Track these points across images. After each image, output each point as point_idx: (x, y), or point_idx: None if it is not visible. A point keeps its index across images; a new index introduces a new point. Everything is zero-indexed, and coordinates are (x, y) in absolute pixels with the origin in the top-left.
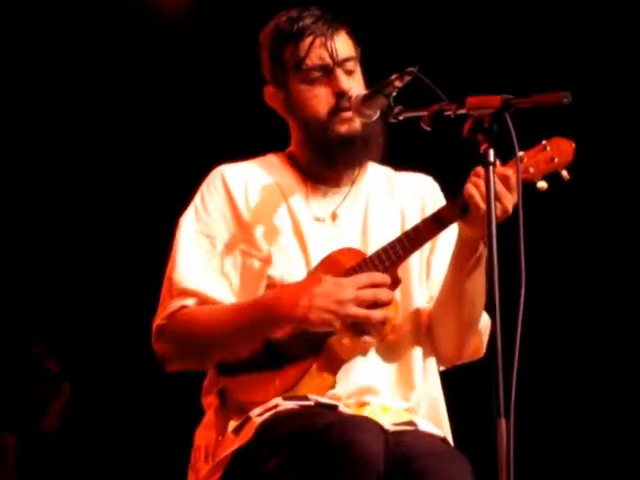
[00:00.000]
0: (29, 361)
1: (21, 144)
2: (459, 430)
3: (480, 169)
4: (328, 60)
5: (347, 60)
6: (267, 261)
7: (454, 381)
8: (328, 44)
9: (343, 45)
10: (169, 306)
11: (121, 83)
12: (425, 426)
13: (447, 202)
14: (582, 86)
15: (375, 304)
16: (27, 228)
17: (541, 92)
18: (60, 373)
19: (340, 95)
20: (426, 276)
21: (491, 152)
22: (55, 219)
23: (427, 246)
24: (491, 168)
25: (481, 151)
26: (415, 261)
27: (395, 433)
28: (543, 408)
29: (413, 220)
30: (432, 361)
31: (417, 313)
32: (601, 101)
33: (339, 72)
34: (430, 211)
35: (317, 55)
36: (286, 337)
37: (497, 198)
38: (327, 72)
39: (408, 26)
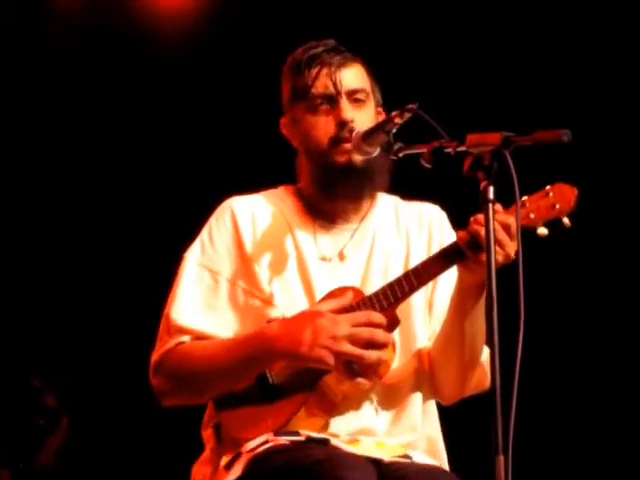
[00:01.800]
0: (27, 395)
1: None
2: (458, 467)
3: (480, 216)
4: (332, 90)
5: (355, 91)
6: (269, 303)
7: (454, 417)
8: (333, 74)
9: (353, 76)
10: (166, 343)
11: (134, 110)
12: (420, 458)
13: (444, 247)
14: (584, 125)
15: (371, 344)
16: (27, 262)
17: (543, 129)
18: (58, 408)
19: (342, 125)
20: (429, 312)
21: (491, 189)
22: (55, 254)
23: (429, 284)
24: (490, 205)
25: (480, 189)
26: (419, 301)
27: (390, 463)
28: (542, 445)
29: (418, 255)
30: (432, 401)
31: (419, 354)
32: (602, 140)
33: (343, 102)
34: (437, 242)
35: (322, 84)
36: (281, 372)
37: (499, 245)
38: (331, 102)
39: (410, 62)
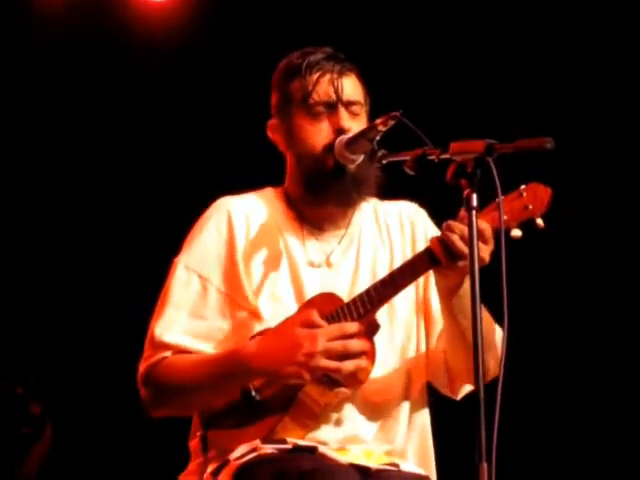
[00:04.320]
0: (12, 403)
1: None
2: (443, 474)
3: (452, 223)
4: (333, 96)
5: (353, 103)
6: (257, 315)
7: (439, 425)
8: (335, 81)
9: (351, 87)
10: (150, 357)
11: (114, 114)
12: (407, 467)
13: (418, 253)
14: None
15: (347, 355)
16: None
17: (525, 137)
18: (43, 416)
19: (339, 132)
20: (426, 313)
21: (474, 197)
22: (36, 263)
23: (421, 283)
24: (474, 212)
25: (464, 196)
26: (407, 301)
27: (378, 471)
28: (525, 453)
29: (402, 257)
30: (422, 400)
31: (406, 355)
32: (585, 149)
33: (342, 110)
34: (421, 237)
35: (323, 90)
36: (264, 384)
37: (463, 257)
38: (331, 108)
39: (394, 70)
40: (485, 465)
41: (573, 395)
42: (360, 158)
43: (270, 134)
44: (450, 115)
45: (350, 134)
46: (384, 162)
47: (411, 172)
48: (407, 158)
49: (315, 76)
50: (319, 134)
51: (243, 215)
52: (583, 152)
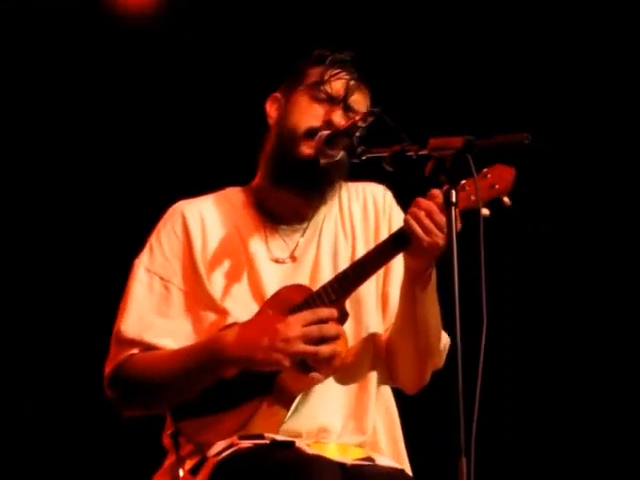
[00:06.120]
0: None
1: None
2: (422, 468)
3: (421, 200)
4: (341, 94)
5: (353, 110)
6: (222, 312)
7: (416, 418)
8: (349, 86)
9: (359, 97)
10: (117, 356)
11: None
12: (383, 461)
13: (388, 236)
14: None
15: (323, 339)
16: None
17: (503, 133)
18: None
19: (328, 124)
20: (383, 307)
21: (453, 193)
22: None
23: (381, 277)
24: (453, 208)
25: (442, 192)
26: (370, 292)
27: (354, 466)
28: (504, 447)
29: (364, 250)
30: (391, 400)
31: (372, 344)
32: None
33: (341, 109)
34: (385, 228)
35: (335, 85)
36: (237, 376)
37: (440, 229)
38: (333, 102)
39: (374, 67)
40: (464, 459)
41: (552, 388)
42: (340, 154)
43: (267, 106)
44: (430, 112)
45: (330, 131)
46: (363, 158)
47: (389, 168)
48: (386, 154)
49: (336, 71)
50: (309, 114)
51: (198, 217)
52: (565, 150)
